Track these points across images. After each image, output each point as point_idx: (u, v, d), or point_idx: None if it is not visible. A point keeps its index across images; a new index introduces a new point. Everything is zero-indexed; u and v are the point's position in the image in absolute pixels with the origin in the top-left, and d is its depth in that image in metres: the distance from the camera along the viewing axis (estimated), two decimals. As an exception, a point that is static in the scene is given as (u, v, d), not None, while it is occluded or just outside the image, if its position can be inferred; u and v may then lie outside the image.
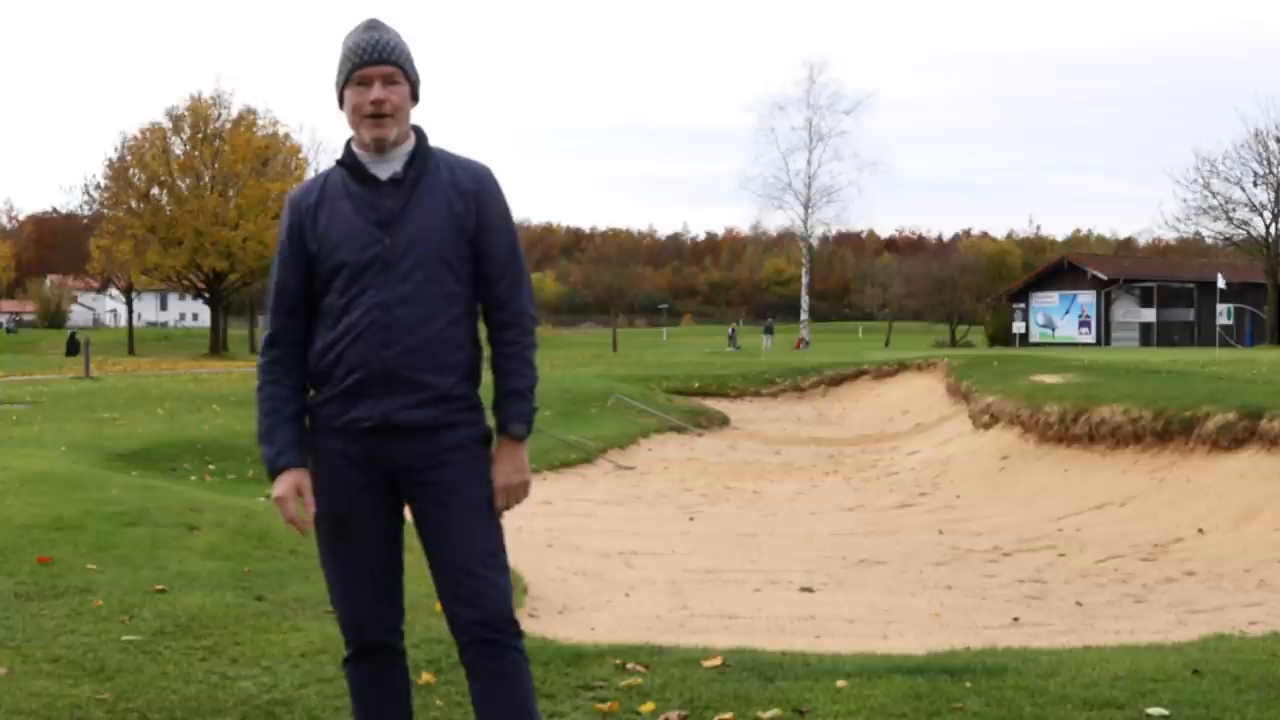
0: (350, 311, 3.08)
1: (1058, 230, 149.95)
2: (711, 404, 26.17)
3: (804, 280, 64.78)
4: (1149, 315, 66.97)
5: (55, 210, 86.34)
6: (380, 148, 3.10)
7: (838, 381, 29.47)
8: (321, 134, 70.61)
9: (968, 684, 4.52)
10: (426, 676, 4.59)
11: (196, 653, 4.95)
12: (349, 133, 3.16)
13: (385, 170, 3.13)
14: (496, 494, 3.13)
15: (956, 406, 21.13)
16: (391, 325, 3.05)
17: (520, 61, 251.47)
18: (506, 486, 3.15)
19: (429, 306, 3.08)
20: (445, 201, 3.13)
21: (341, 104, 3.15)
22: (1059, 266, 70.77)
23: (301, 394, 3.18)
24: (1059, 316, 68.10)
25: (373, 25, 3.14)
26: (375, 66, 3.09)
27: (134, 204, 58.98)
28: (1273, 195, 58.12)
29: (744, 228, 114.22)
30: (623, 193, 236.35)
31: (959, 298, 77.70)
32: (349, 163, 3.14)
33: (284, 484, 3.10)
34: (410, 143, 3.16)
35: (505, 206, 3.23)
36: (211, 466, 12.75)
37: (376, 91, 3.08)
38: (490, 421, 3.19)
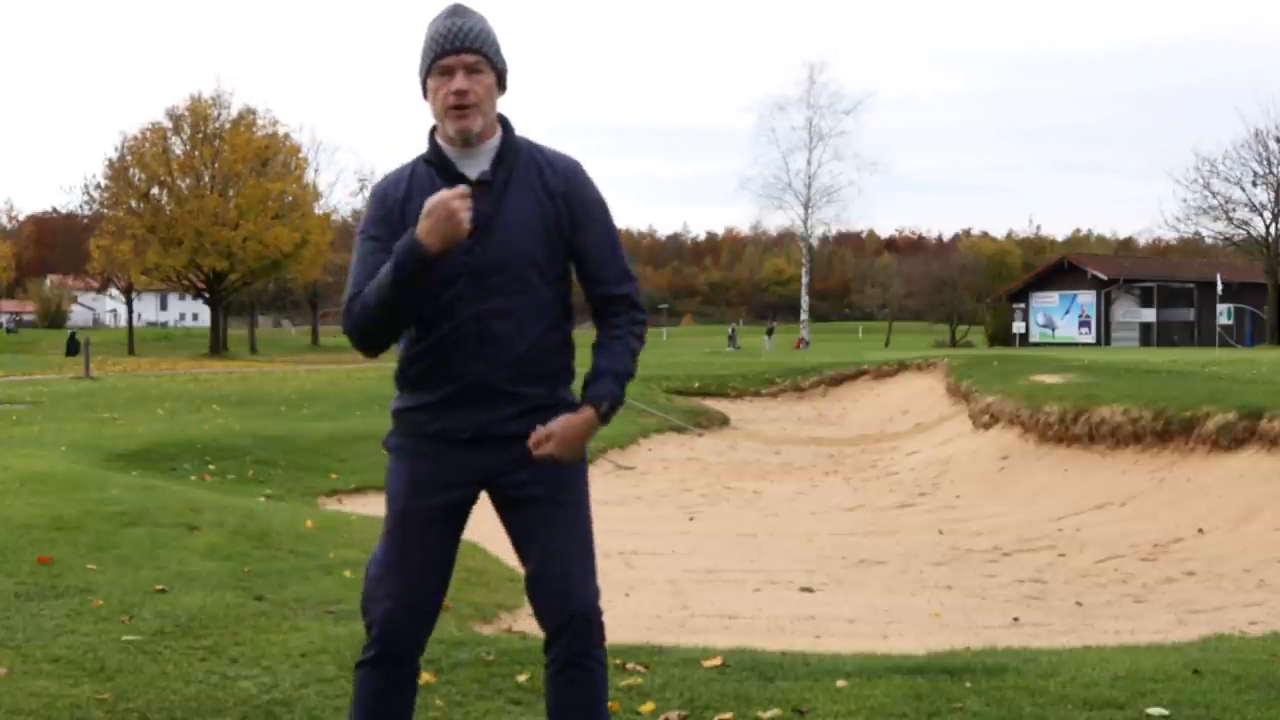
0: (440, 323, 2.96)
1: (1058, 230, 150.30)
2: (711, 404, 26.18)
3: (804, 280, 64.80)
4: (1149, 315, 67.01)
5: (55, 210, 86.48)
6: (466, 140, 2.97)
7: (838, 381, 29.48)
8: (322, 134, 70.69)
9: (968, 684, 4.51)
10: (426, 676, 4.57)
11: (196, 653, 4.94)
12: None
13: (473, 168, 2.99)
14: (551, 436, 2.95)
15: (956, 406, 21.13)
16: (486, 339, 2.95)
17: (520, 60, 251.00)
18: (562, 439, 2.96)
19: (523, 317, 2.98)
20: (536, 205, 2.99)
21: (425, 93, 3.01)
22: (1059, 266, 70.82)
23: None
24: (1059, 316, 68.12)
25: (455, 10, 2.99)
26: (457, 55, 2.94)
27: (134, 204, 58.98)
28: (1273, 195, 58.20)
29: (744, 228, 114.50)
30: (623, 193, 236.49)
31: (959, 298, 77.77)
32: (436, 160, 3.01)
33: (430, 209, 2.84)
34: (497, 138, 3.02)
35: (600, 201, 3.09)
36: (211, 466, 12.74)
37: (459, 82, 2.94)
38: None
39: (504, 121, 3.06)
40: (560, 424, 2.97)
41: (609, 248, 3.09)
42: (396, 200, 3.00)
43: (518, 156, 3.02)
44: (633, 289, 3.13)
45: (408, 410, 3.06)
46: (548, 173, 3.03)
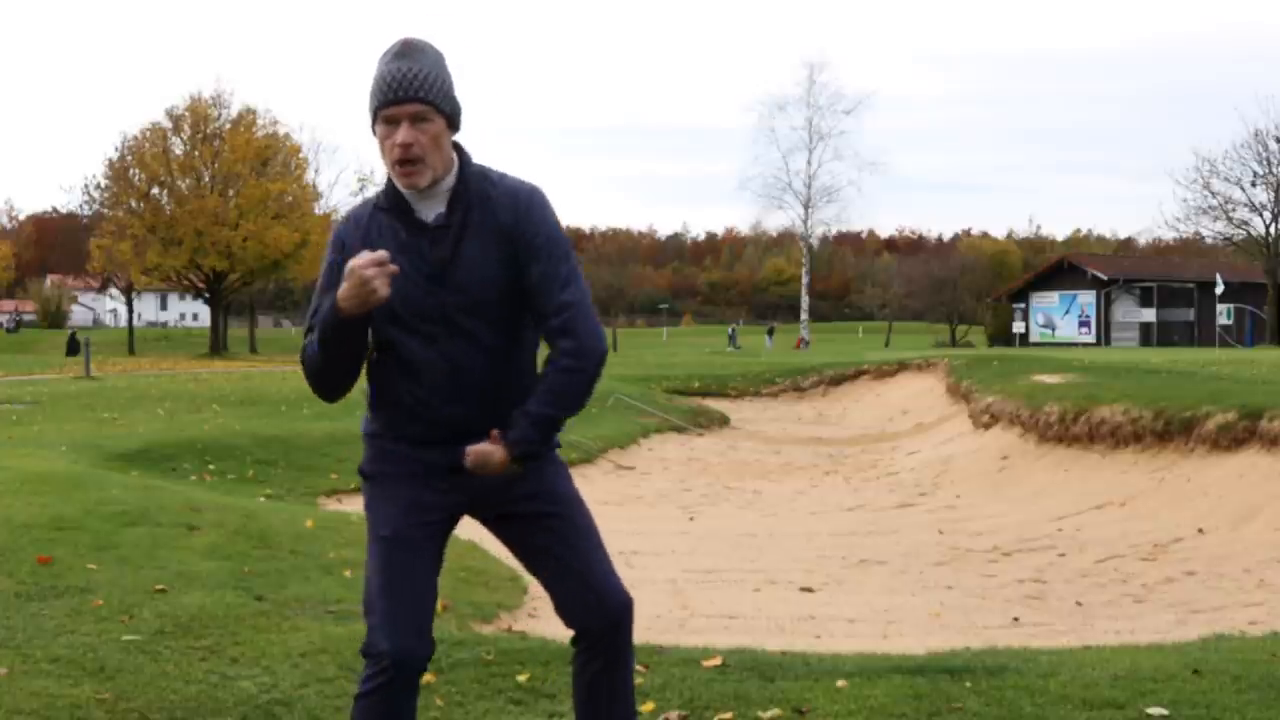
0: (412, 365, 2.95)
1: (1058, 230, 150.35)
2: (711, 404, 26.19)
3: (804, 280, 64.83)
4: (1149, 315, 67.02)
5: (55, 210, 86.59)
6: (414, 190, 2.91)
7: (838, 381, 29.50)
8: (321, 134, 70.66)
9: (968, 684, 4.51)
10: (427, 676, 4.58)
11: (196, 653, 4.94)
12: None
13: (430, 210, 2.93)
14: (470, 455, 2.95)
15: (956, 406, 21.14)
16: (459, 380, 2.94)
17: (520, 61, 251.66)
18: (475, 465, 2.95)
19: (491, 357, 2.95)
20: (493, 244, 2.93)
21: (374, 133, 2.92)
22: (1059, 266, 70.87)
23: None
24: (1059, 316, 68.13)
25: (403, 52, 2.87)
26: (400, 105, 2.84)
27: (134, 204, 58.91)
28: (1272, 195, 58.23)
29: (744, 228, 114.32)
30: (623, 193, 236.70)
31: (959, 298, 77.80)
32: (392, 206, 2.94)
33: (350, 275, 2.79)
34: (452, 176, 2.94)
35: (548, 235, 2.95)
36: (211, 466, 12.74)
37: (403, 134, 2.84)
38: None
39: (460, 155, 2.97)
40: (474, 455, 2.93)
41: (550, 278, 2.94)
42: (354, 248, 2.90)
43: (473, 196, 2.94)
44: (568, 317, 2.94)
45: (382, 437, 3.04)
46: (500, 209, 2.94)
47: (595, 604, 3.07)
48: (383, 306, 2.85)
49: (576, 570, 3.07)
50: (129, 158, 59.35)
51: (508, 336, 2.98)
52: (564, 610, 3.11)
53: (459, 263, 2.91)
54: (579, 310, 2.96)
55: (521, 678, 4.61)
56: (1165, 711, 4.16)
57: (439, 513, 3.04)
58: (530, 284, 2.95)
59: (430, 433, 2.98)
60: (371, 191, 3.20)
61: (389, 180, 2.96)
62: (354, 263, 2.78)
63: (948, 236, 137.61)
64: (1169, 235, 75.70)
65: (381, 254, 2.79)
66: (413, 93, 2.84)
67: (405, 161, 2.86)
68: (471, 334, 2.94)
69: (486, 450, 2.95)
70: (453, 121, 2.93)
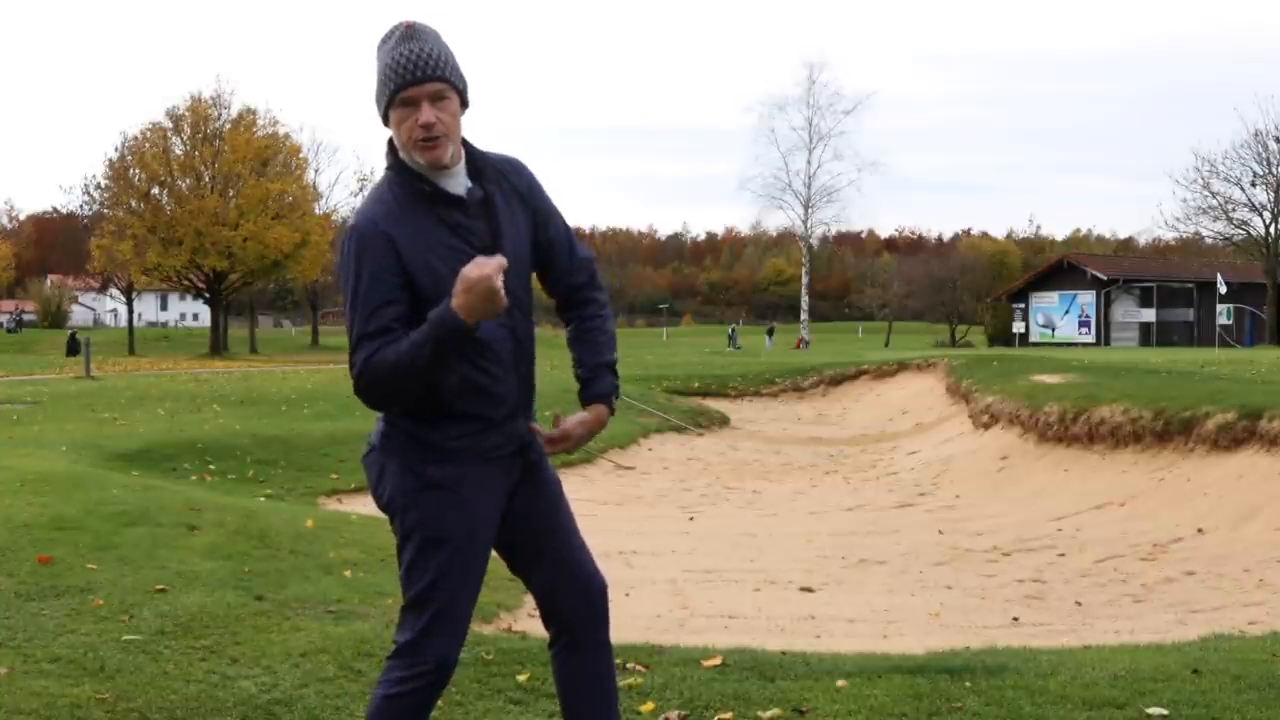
0: (488, 346, 2.89)
1: (1058, 230, 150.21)
2: (711, 404, 26.19)
3: (804, 280, 64.83)
4: (1149, 315, 67.02)
5: (55, 210, 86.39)
6: (438, 167, 2.87)
7: (838, 381, 29.49)
8: (321, 134, 70.56)
9: (968, 684, 4.51)
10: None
11: (196, 653, 4.95)
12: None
13: (455, 185, 2.90)
14: (568, 437, 3.03)
15: (956, 406, 21.15)
16: (519, 355, 2.98)
17: (520, 61, 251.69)
18: (579, 440, 3.05)
19: (530, 325, 3.02)
20: (519, 211, 2.99)
21: (386, 123, 2.89)
22: (1059, 266, 70.86)
23: None
24: (1059, 316, 68.13)
25: (410, 35, 2.84)
26: (420, 86, 2.81)
27: (134, 204, 58.90)
28: (1272, 195, 58.24)
29: (744, 228, 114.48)
30: (623, 193, 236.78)
31: (959, 298, 77.78)
32: (422, 189, 2.87)
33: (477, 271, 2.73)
34: (462, 153, 2.93)
35: (547, 195, 3.09)
36: (211, 466, 12.75)
37: (426, 114, 2.81)
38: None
39: None
40: (579, 426, 3.03)
41: (567, 237, 3.11)
42: (405, 241, 2.83)
43: (488, 168, 2.97)
44: (593, 271, 3.16)
45: (446, 440, 2.93)
46: (512, 177, 3.02)
47: (580, 590, 3.09)
48: (441, 288, 2.79)
49: (563, 557, 3.09)
50: (129, 158, 59.34)
51: (531, 300, 3.05)
52: (548, 599, 3.11)
53: (505, 235, 2.94)
54: (595, 265, 3.18)
55: (521, 678, 4.62)
56: (1165, 711, 4.16)
57: (499, 516, 3.04)
58: (550, 244, 3.07)
59: (501, 415, 2.97)
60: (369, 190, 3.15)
61: (400, 168, 2.90)
62: (478, 273, 2.71)
63: (948, 236, 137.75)
64: (1169, 235, 75.80)
65: (500, 260, 2.77)
66: (430, 72, 2.83)
67: (430, 139, 2.84)
68: (521, 303, 2.98)
69: (588, 419, 3.05)
70: (464, 99, 2.94)
